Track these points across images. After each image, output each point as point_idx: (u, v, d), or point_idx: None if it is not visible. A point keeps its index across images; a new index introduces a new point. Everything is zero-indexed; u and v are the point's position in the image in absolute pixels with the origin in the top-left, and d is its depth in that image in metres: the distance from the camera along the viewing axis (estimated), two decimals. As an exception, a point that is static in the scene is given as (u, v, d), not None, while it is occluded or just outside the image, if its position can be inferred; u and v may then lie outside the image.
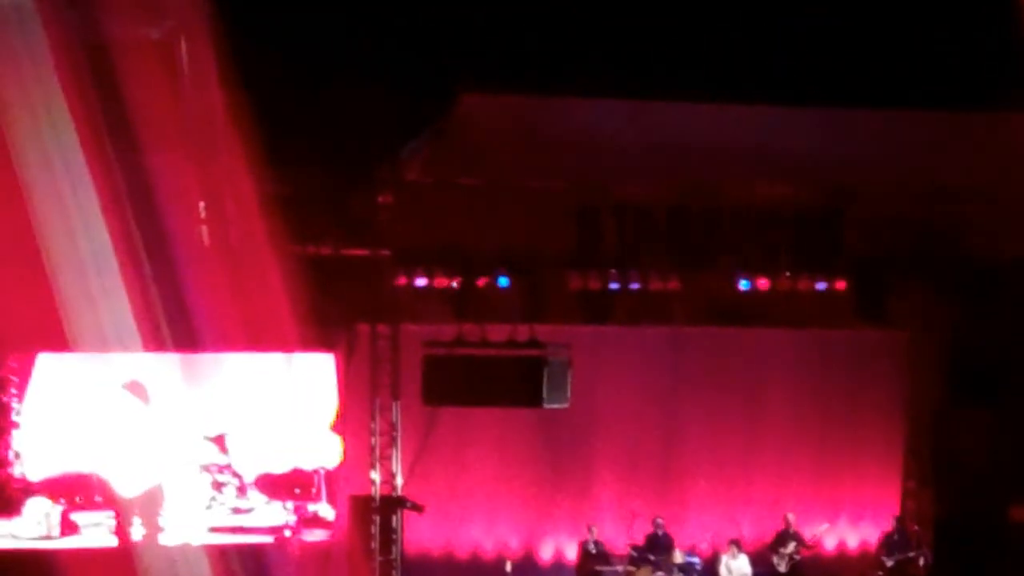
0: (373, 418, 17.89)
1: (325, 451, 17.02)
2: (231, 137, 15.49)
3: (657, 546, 18.42)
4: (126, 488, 16.52)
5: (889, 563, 18.55)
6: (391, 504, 17.86)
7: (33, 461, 16.49)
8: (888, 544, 18.76)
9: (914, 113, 16.67)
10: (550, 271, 17.93)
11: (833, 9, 16.15)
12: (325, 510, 17.03)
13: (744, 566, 18.40)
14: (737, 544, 18.48)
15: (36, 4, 14.91)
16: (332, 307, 16.89)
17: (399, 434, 18.02)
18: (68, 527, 16.57)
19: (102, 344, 15.99)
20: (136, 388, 16.57)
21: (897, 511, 19.31)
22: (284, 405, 16.95)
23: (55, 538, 16.50)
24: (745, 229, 18.08)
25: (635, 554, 18.32)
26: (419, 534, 18.47)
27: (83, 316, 15.82)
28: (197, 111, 15.53)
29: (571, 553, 18.63)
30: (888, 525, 19.03)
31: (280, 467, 16.98)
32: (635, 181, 17.75)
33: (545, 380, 17.21)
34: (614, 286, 18.05)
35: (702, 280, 18.18)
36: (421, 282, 17.61)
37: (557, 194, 17.58)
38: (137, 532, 16.50)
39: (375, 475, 17.88)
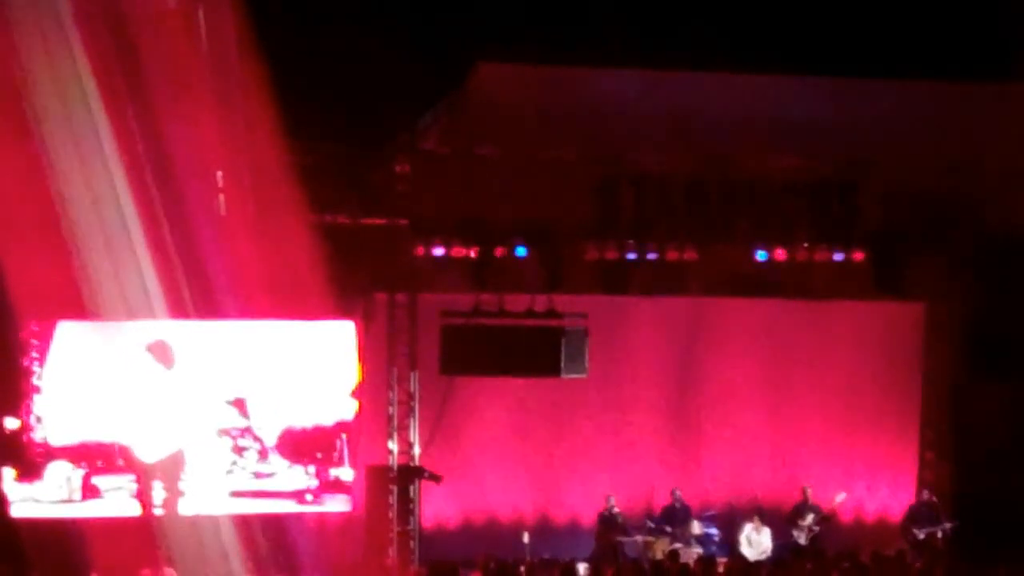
0: (391, 388, 18.04)
1: (346, 415, 17.12)
2: (249, 106, 15.59)
3: (675, 517, 18.52)
4: (147, 454, 16.64)
5: (921, 535, 18.57)
6: (408, 474, 17.98)
7: (55, 425, 16.63)
8: (916, 517, 18.78)
9: (931, 84, 16.59)
10: (568, 241, 17.98)
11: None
12: (347, 474, 17.13)
13: (766, 540, 18.50)
14: (761, 516, 18.55)
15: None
16: (350, 276, 17.00)
17: (417, 404, 18.16)
18: (89, 491, 16.69)
19: (122, 312, 16.14)
20: (160, 349, 16.67)
21: (914, 482, 19.39)
22: (304, 371, 17.03)
23: (76, 502, 16.66)
24: (762, 200, 18.06)
25: (652, 525, 18.43)
26: (436, 504, 18.62)
27: (103, 284, 15.98)
28: (215, 80, 15.60)
29: (588, 523, 18.72)
30: (913, 498, 19.09)
31: (301, 431, 17.06)
32: (653, 152, 17.78)
33: (563, 350, 17.34)
34: (632, 257, 18.09)
35: (719, 251, 18.19)
36: (439, 252, 17.66)
37: (575, 165, 17.61)
38: (158, 498, 16.64)
39: (392, 445, 18.03)
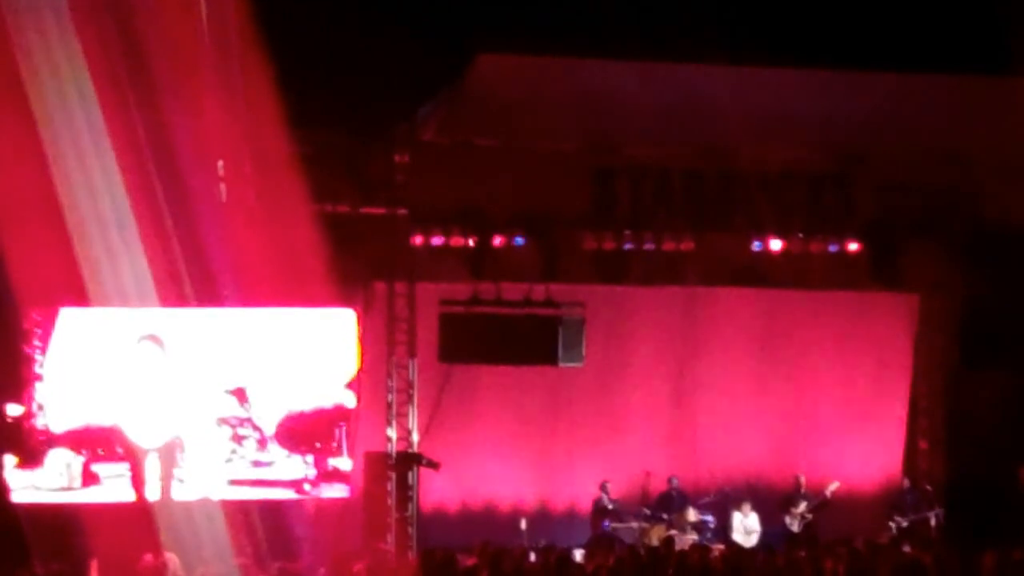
0: (390, 375, 18.14)
1: (345, 405, 17.21)
2: (250, 95, 15.65)
3: (671, 505, 18.66)
4: (145, 440, 16.73)
5: (904, 523, 18.74)
6: (407, 461, 18.08)
7: (55, 413, 16.70)
8: (900, 505, 18.95)
9: (927, 77, 16.71)
10: (565, 231, 18.11)
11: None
12: (345, 464, 17.22)
13: (755, 523, 18.67)
14: (750, 502, 18.70)
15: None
16: (349, 265, 17.07)
17: (415, 391, 18.27)
18: (89, 478, 16.74)
19: (123, 299, 16.22)
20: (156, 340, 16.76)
21: (902, 470, 19.61)
22: (304, 360, 17.11)
23: (76, 489, 16.72)
24: (758, 191, 18.20)
25: (649, 513, 18.56)
26: (435, 491, 18.74)
27: (104, 272, 16.05)
28: (217, 69, 15.66)
29: (586, 510, 18.83)
30: (899, 485, 19.28)
31: (301, 420, 17.14)
32: (650, 143, 17.88)
33: (560, 339, 17.45)
34: (629, 247, 18.23)
35: (716, 241, 18.35)
36: (438, 241, 17.79)
37: (573, 155, 17.73)
38: (155, 484, 16.72)
39: (391, 432, 18.14)
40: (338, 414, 17.23)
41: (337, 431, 17.26)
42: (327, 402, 17.19)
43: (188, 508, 16.63)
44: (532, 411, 19.17)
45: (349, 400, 17.24)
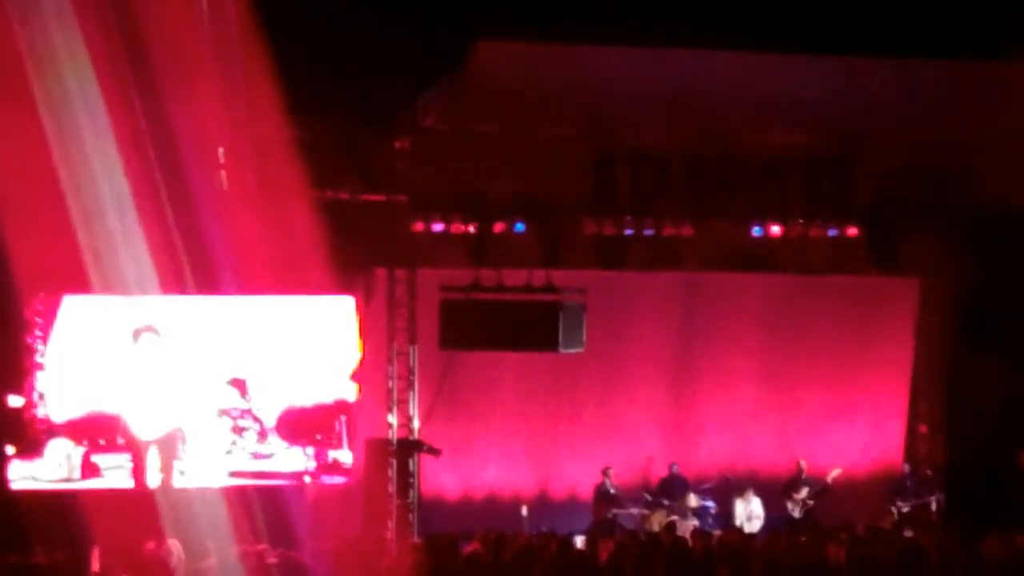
0: (390, 362, 18.19)
1: (346, 396, 17.19)
2: (251, 83, 15.63)
3: (672, 491, 18.69)
4: (145, 431, 16.70)
5: (905, 509, 18.80)
6: (408, 447, 18.13)
7: (56, 402, 16.67)
8: (901, 490, 19.01)
9: (926, 62, 16.72)
10: (566, 217, 18.09)
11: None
12: (345, 456, 17.20)
13: (758, 509, 18.72)
14: (751, 489, 18.76)
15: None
16: (350, 252, 17.06)
17: (416, 378, 18.31)
18: (89, 469, 16.71)
19: (124, 287, 16.18)
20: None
21: (902, 455, 19.66)
22: (305, 350, 17.10)
23: (76, 480, 16.68)
24: (758, 176, 18.21)
25: (650, 498, 18.60)
26: (436, 477, 18.77)
27: (105, 260, 16.01)
28: (217, 57, 15.63)
29: (586, 496, 18.85)
30: (899, 470, 19.33)
31: (302, 412, 17.12)
32: (650, 129, 17.86)
33: (561, 325, 17.46)
34: (629, 232, 18.22)
35: (715, 227, 18.34)
36: (438, 227, 17.76)
37: (573, 141, 17.72)
38: (154, 475, 16.69)
39: (392, 419, 18.19)
40: (339, 407, 17.21)
41: (338, 424, 17.25)
42: (328, 394, 17.18)
43: (189, 496, 16.59)
44: (533, 397, 19.19)
45: (350, 392, 17.23)
